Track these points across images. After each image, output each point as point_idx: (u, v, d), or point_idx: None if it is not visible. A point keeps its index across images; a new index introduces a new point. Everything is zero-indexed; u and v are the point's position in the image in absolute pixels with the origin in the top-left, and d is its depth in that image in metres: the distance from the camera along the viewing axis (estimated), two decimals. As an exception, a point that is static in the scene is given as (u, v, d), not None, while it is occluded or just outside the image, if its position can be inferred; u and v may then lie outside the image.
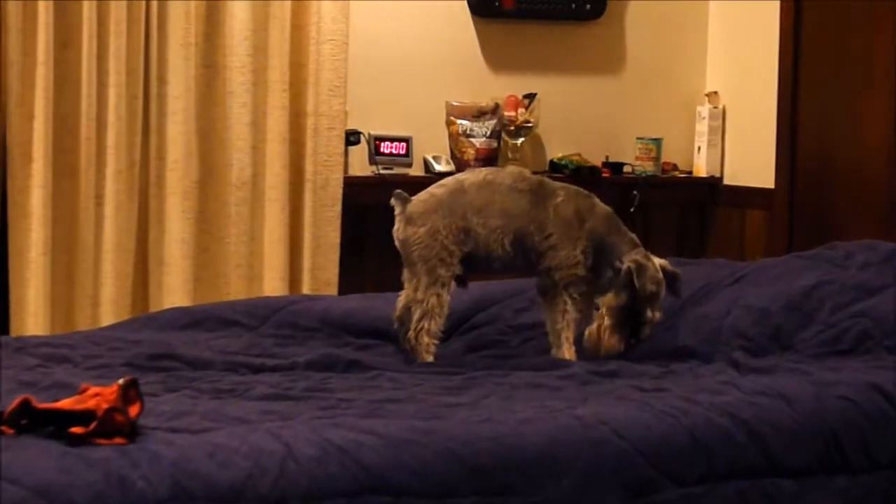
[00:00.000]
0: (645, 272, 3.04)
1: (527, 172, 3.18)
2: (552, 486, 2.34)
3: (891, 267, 3.21)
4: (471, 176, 3.14)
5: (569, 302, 3.07)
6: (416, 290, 3.06)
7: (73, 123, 4.23)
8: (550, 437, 2.40)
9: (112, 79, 4.25)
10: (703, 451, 2.48)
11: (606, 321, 3.05)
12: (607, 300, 3.07)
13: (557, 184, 3.16)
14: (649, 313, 3.05)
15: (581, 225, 3.08)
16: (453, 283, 3.09)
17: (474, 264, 3.12)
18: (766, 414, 2.57)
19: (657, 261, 3.09)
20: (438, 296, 3.05)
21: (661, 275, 3.06)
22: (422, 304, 3.04)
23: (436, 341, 3.06)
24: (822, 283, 3.16)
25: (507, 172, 3.16)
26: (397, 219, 3.12)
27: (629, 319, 3.06)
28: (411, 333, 3.05)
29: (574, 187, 3.16)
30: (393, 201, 3.13)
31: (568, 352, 3.07)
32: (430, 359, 3.05)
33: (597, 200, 3.14)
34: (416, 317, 3.05)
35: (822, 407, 2.61)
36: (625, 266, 3.03)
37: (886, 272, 3.19)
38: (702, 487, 2.47)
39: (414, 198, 3.13)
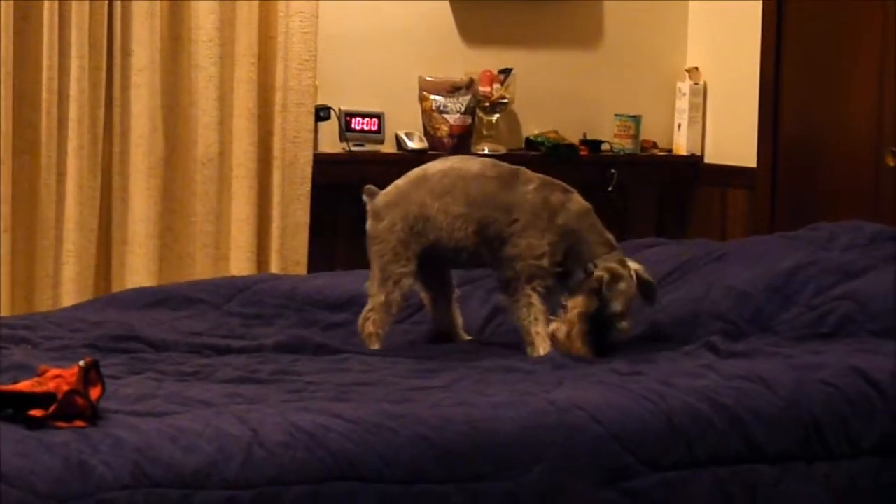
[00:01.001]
0: (616, 283, 2.88)
1: (501, 163, 3.07)
2: (526, 472, 2.32)
3: (876, 249, 3.20)
4: (438, 164, 3.07)
5: (533, 295, 2.93)
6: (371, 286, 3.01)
7: (34, 97, 4.20)
8: (524, 421, 2.38)
9: (74, 50, 4.21)
10: (681, 436, 2.47)
11: (576, 327, 2.91)
12: (577, 303, 2.91)
13: (536, 175, 3.03)
14: (623, 323, 2.91)
15: (552, 217, 2.94)
16: (408, 282, 2.98)
17: (440, 257, 3.01)
18: (745, 399, 2.56)
19: (633, 266, 2.96)
20: (388, 294, 2.97)
21: (633, 285, 2.90)
22: (372, 299, 2.99)
23: (381, 331, 2.98)
24: (804, 264, 3.15)
25: (478, 160, 3.08)
26: (367, 214, 3.06)
27: (600, 326, 2.92)
28: (360, 320, 2.99)
29: (554, 180, 3.04)
30: (364, 196, 3.07)
31: (542, 347, 2.93)
32: (377, 346, 2.98)
33: (576, 196, 3.00)
34: (366, 307, 3.00)
35: (804, 392, 2.61)
36: (596, 272, 2.89)
37: (871, 254, 3.18)
38: (679, 474, 2.45)
39: (381, 192, 3.06)
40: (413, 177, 3.04)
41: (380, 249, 2.99)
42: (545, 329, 2.93)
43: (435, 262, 3.03)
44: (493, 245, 2.96)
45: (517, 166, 3.06)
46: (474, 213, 2.96)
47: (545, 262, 2.93)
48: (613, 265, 2.90)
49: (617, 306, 2.87)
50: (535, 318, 2.92)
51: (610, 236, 2.98)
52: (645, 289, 2.94)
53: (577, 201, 2.99)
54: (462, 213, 2.96)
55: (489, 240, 2.96)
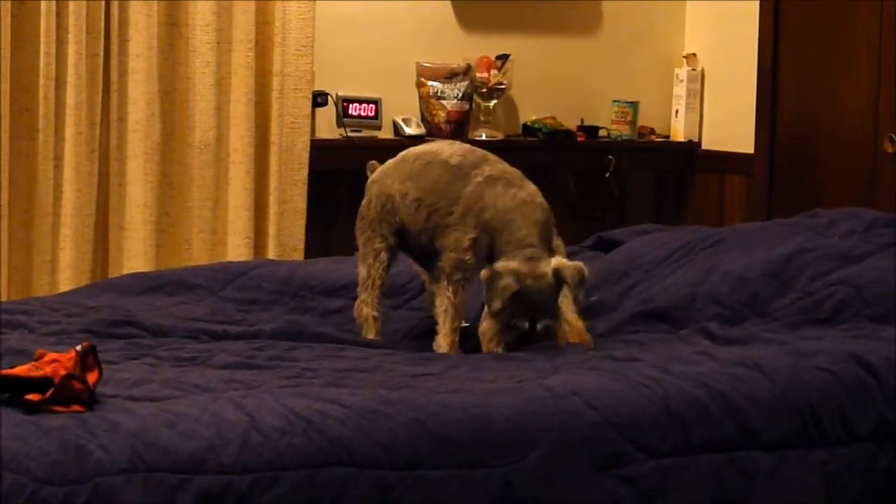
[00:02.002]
0: (494, 284, 2.78)
1: (475, 150, 2.99)
2: (522, 458, 2.31)
3: (874, 235, 3.19)
4: (422, 147, 3.06)
5: (451, 287, 2.86)
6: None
7: (31, 82, 4.19)
8: (520, 408, 2.37)
9: (72, 36, 4.20)
10: (678, 422, 2.46)
11: (486, 325, 2.85)
12: (488, 302, 2.85)
13: (496, 166, 2.93)
14: (539, 325, 2.83)
15: (480, 212, 2.86)
16: (388, 256, 2.97)
17: (405, 241, 3.00)
18: (742, 385, 2.54)
19: (557, 262, 2.82)
20: (369, 266, 2.97)
21: (512, 284, 2.77)
22: (359, 276, 2.99)
23: (375, 313, 2.96)
24: (802, 250, 3.14)
25: (455, 146, 3.01)
26: None
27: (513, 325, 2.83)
28: (354, 307, 2.98)
29: (509, 173, 2.93)
30: (367, 171, 3.10)
31: (444, 341, 2.87)
32: (372, 336, 2.96)
33: (517, 191, 2.87)
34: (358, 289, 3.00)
35: (800, 378, 2.59)
36: (482, 272, 2.83)
37: (869, 240, 3.17)
38: (675, 460, 2.44)
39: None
40: (397, 157, 3.05)
41: (361, 226, 3.02)
42: (452, 324, 2.88)
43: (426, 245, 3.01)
44: (434, 234, 2.93)
45: (486, 154, 2.98)
46: (426, 200, 2.93)
47: (468, 256, 2.87)
48: (503, 263, 2.80)
49: (496, 304, 2.79)
50: (446, 312, 2.87)
51: (525, 234, 2.83)
52: (562, 285, 2.81)
53: (513, 196, 2.87)
54: (416, 199, 2.94)
55: (432, 228, 2.93)
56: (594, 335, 2.94)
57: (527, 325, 2.83)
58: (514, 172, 2.95)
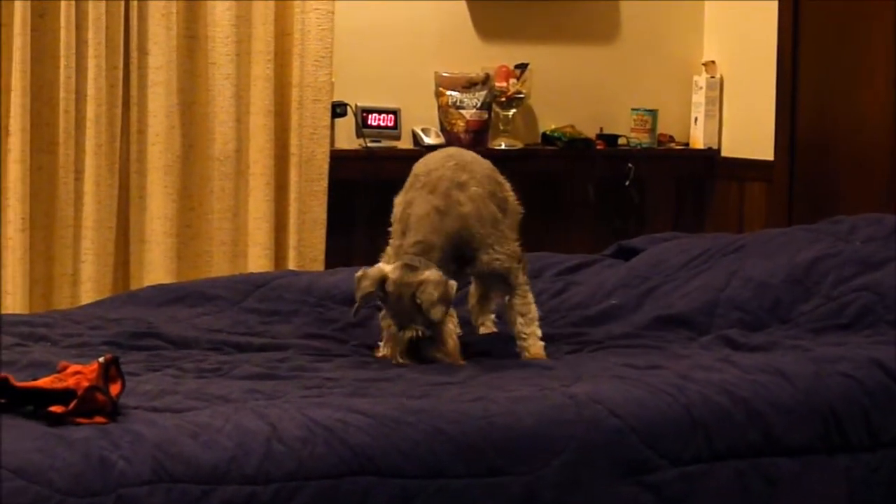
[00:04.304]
0: (358, 285, 2.80)
1: (455, 155, 2.95)
2: (545, 466, 2.31)
3: (896, 241, 3.17)
4: (440, 154, 3.01)
5: None
6: None
7: (52, 96, 4.20)
8: (543, 416, 2.37)
9: (91, 49, 4.21)
10: (701, 429, 2.45)
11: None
12: None
13: (444, 174, 2.86)
14: (413, 334, 2.77)
15: (404, 219, 2.88)
16: None
17: None
18: (765, 392, 2.54)
19: (424, 275, 2.73)
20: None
21: (367, 290, 2.77)
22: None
23: None
24: (824, 255, 3.14)
25: (472, 162, 2.96)
26: None
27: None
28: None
29: (449, 180, 2.86)
30: None
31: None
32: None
33: (434, 199, 2.82)
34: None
35: (823, 384, 2.59)
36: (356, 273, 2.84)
37: (891, 246, 3.16)
38: (699, 467, 2.44)
39: None
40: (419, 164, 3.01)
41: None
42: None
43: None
44: None
45: (459, 161, 2.92)
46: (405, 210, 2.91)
47: (381, 260, 2.94)
48: (379, 266, 2.83)
49: (356, 305, 2.83)
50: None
51: (416, 241, 2.79)
52: (419, 299, 2.75)
53: (426, 203, 2.83)
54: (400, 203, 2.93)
55: None
56: (613, 338, 2.94)
57: (412, 333, 2.76)
58: (455, 181, 2.86)
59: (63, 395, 2.22)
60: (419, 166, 2.98)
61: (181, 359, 2.77)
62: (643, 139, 5.04)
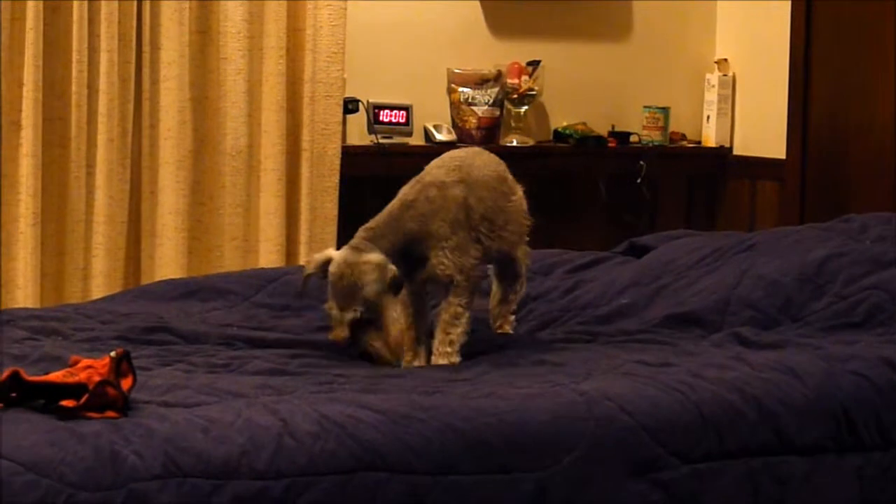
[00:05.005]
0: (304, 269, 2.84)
1: (459, 154, 2.95)
2: (555, 463, 2.31)
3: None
4: (462, 151, 3.02)
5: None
6: None
7: (64, 90, 4.20)
8: (554, 412, 2.36)
9: (104, 44, 4.21)
10: (712, 427, 2.45)
11: None
12: None
13: (453, 183, 2.85)
14: (353, 316, 2.77)
15: None
16: None
17: None
18: (776, 390, 2.53)
19: (367, 258, 2.75)
20: None
21: (307, 271, 2.80)
22: None
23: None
24: (835, 254, 3.13)
25: (481, 160, 2.95)
26: None
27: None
28: None
29: (433, 177, 2.86)
30: None
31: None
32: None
33: (410, 191, 2.83)
34: None
35: (834, 383, 2.58)
36: None
37: (903, 245, 3.15)
38: (709, 465, 2.43)
39: None
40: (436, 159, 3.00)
41: None
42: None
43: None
44: None
45: (461, 161, 2.92)
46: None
47: None
48: (329, 250, 2.84)
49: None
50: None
51: (371, 227, 2.81)
52: (356, 279, 2.75)
53: (402, 196, 2.85)
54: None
55: None
56: (624, 335, 2.93)
57: (351, 315, 2.73)
58: (439, 180, 2.85)
59: (74, 390, 2.22)
60: (433, 161, 2.97)
61: (192, 353, 2.78)
62: (655, 137, 5.04)
